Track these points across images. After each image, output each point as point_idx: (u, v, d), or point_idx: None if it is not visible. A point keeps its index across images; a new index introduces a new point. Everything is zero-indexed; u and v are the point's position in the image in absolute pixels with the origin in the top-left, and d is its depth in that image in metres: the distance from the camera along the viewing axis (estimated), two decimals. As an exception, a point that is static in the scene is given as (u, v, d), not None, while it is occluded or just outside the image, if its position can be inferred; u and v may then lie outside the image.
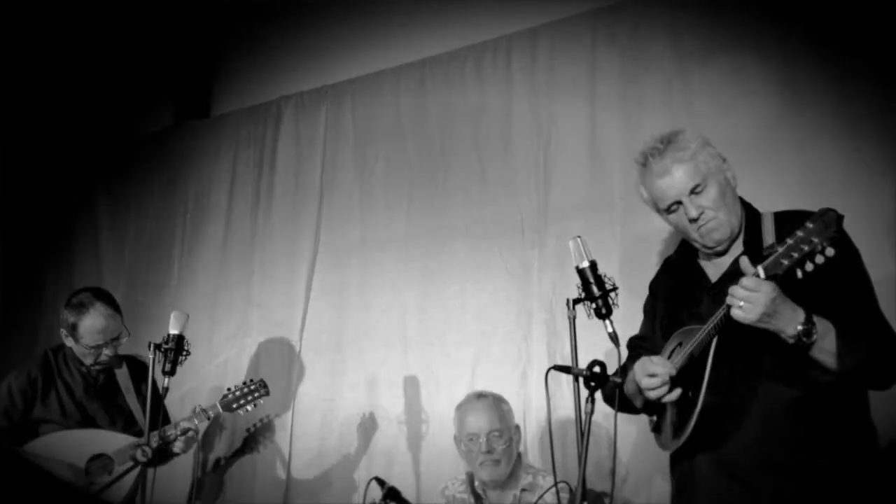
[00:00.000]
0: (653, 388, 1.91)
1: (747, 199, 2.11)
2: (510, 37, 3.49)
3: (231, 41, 4.53)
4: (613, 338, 1.90)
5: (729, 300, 1.75)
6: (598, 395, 1.86)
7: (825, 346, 1.77)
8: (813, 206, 1.95)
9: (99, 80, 4.65)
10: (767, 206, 2.07)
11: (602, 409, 2.00)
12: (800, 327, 1.73)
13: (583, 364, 1.85)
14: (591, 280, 1.92)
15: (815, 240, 1.63)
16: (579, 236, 1.98)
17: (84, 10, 4.14)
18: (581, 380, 1.84)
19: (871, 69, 2.66)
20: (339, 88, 3.95)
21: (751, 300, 1.71)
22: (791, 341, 1.76)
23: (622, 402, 1.96)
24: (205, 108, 4.54)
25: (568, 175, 3.25)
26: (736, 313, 1.74)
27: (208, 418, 3.00)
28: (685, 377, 1.90)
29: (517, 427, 2.85)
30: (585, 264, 1.94)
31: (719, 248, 2.02)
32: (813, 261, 1.64)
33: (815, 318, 1.75)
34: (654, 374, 1.91)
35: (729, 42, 2.95)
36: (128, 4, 4.20)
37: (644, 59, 3.13)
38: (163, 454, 2.91)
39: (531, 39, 3.43)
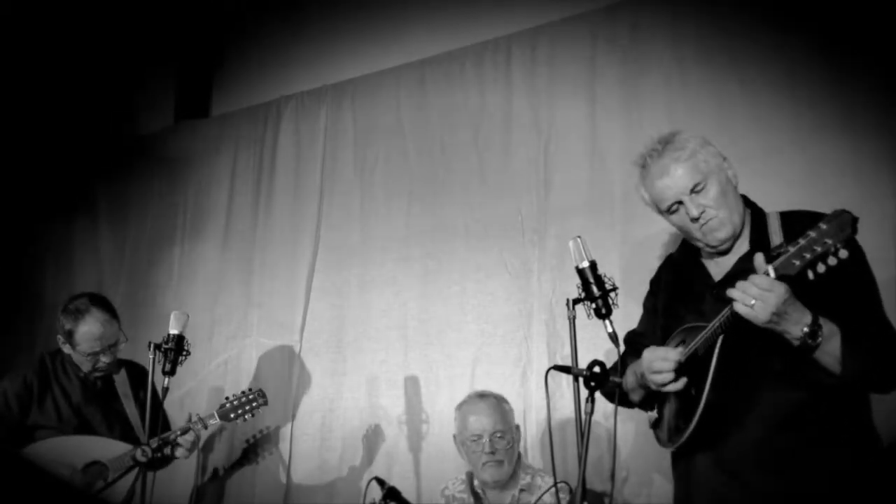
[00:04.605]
0: (661, 372, 1.89)
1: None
2: (510, 37, 3.49)
3: (231, 41, 4.54)
4: (613, 338, 1.89)
5: (739, 297, 1.71)
6: (598, 392, 1.85)
7: (829, 350, 1.74)
8: (813, 205, 1.96)
9: (99, 79, 4.65)
10: (768, 205, 2.07)
11: (602, 408, 2.00)
12: (806, 329, 1.71)
13: (583, 364, 1.85)
14: (591, 280, 1.92)
15: (829, 241, 1.58)
16: (579, 236, 1.97)
17: (84, 10, 4.14)
18: (581, 380, 1.84)
19: (871, 69, 2.66)
20: (339, 88, 3.95)
21: (763, 299, 1.68)
22: (796, 343, 1.73)
23: (619, 396, 1.93)
24: (205, 108, 4.55)
25: (568, 175, 3.25)
26: (747, 312, 1.70)
27: (205, 427, 2.93)
28: (688, 375, 1.89)
29: (517, 427, 2.85)
30: (585, 264, 1.94)
31: (722, 248, 2.00)
32: (825, 262, 1.60)
33: (822, 321, 1.73)
34: (665, 357, 1.89)
35: (729, 42, 2.95)
36: (128, 4, 4.20)
37: (644, 59, 3.13)
38: (161, 459, 2.86)
39: (531, 39, 3.43)
